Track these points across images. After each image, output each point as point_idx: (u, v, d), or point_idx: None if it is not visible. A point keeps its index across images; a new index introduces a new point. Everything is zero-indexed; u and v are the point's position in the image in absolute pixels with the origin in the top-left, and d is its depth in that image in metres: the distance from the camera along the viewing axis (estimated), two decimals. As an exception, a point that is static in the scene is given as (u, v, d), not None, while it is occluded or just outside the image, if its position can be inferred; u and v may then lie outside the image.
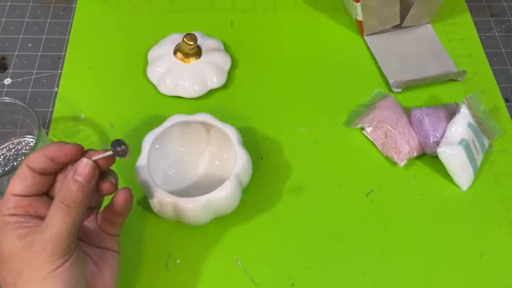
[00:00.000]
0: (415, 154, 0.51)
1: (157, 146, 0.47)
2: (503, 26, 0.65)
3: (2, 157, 0.50)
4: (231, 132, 0.46)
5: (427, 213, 0.49)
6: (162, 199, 0.42)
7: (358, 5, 0.57)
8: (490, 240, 0.48)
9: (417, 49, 0.61)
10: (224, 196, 0.43)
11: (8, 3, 0.63)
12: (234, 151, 0.45)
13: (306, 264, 0.46)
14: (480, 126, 0.53)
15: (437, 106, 0.53)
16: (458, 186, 0.51)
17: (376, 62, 0.59)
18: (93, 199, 0.39)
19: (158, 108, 0.55)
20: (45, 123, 0.53)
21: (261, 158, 0.52)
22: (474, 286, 0.45)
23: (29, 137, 0.51)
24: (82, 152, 0.36)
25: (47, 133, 0.52)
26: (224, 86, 0.56)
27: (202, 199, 0.42)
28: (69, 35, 0.60)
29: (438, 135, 0.51)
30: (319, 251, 0.47)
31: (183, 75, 0.54)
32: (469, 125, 0.50)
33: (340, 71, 0.59)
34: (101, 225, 0.40)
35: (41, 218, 0.35)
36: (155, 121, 0.51)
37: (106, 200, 0.40)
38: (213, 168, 0.50)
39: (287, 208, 0.49)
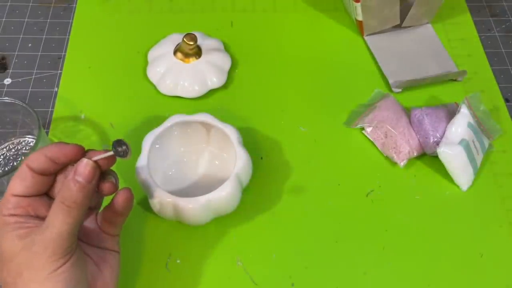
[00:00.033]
0: (415, 154, 0.51)
1: (157, 146, 0.47)
2: (503, 26, 0.65)
3: (2, 157, 0.50)
4: (231, 132, 0.46)
5: (427, 213, 0.49)
6: (162, 199, 0.42)
7: (358, 5, 0.57)
8: (490, 240, 0.48)
9: (417, 49, 0.61)
10: (224, 196, 0.43)
11: (8, 3, 0.63)
12: (234, 151, 0.45)
13: (306, 264, 0.46)
14: (480, 126, 0.53)
15: (437, 106, 0.53)
16: (458, 186, 0.51)
17: (376, 62, 0.59)
18: (93, 199, 0.39)
19: (158, 108, 0.55)
20: (45, 123, 0.53)
21: (261, 158, 0.52)
22: (474, 286, 0.45)
23: (29, 137, 0.51)
24: (82, 153, 0.36)
25: (47, 133, 0.52)
26: (224, 86, 0.56)
27: (202, 199, 0.42)
28: (69, 35, 0.60)
29: (438, 135, 0.51)
30: (319, 251, 0.47)
31: (183, 75, 0.54)
32: (469, 125, 0.50)
33: (340, 71, 0.59)
34: (101, 225, 0.40)
35: (41, 218, 0.35)
36: (155, 121, 0.51)
37: (106, 200, 0.40)
38: (213, 168, 0.50)
39: (287, 208, 0.49)
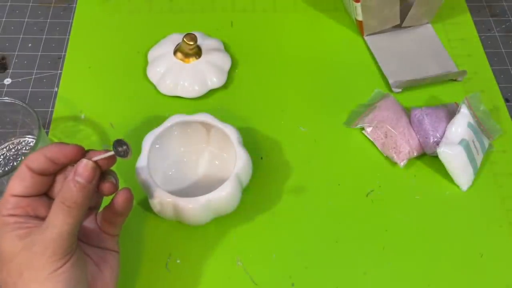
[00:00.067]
0: (415, 154, 0.51)
1: (157, 146, 0.47)
2: (503, 26, 0.65)
3: (2, 157, 0.50)
4: (231, 132, 0.46)
5: (427, 213, 0.49)
6: (162, 199, 0.42)
7: (358, 5, 0.57)
8: (490, 240, 0.48)
9: (417, 49, 0.61)
10: (224, 196, 0.43)
11: (8, 3, 0.63)
12: (234, 151, 0.45)
13: (306, 264, 0.46)
14: (480, 126, 0.53)
15: (437, 106, 0.53)
16: (458, 186, 0.51)
17: (376, 62, 0.59)
18: (92, 199, 0.39)
19: (158, 108, 0.55)
20: (45, 123, 0.53)
21: (261, 158, 0.52)
22: (474, 286, 0.45)
23: (29, 137, 0.51)
24: (82, 153, 0.36)
25: (47, 133, 0.52)
26: (224, 86, 0.56)
27: (202, 199, 0.42)
28: (69, 35, 0.60)
29: (438, 135, 0.51)
30: (319, 251, 0.47)
31: (183, 75, 0.54)
32: (469, 125, 0.50)
33: (340, 71, 0.59)
34: (101, 225, 0.40)
35: (41, 218, 0.35)
36: (155, 121, 0.51)
37: (106, 200, 0.40)
38: (213, 168, 0.50)
39: (287, 208, 0.49)
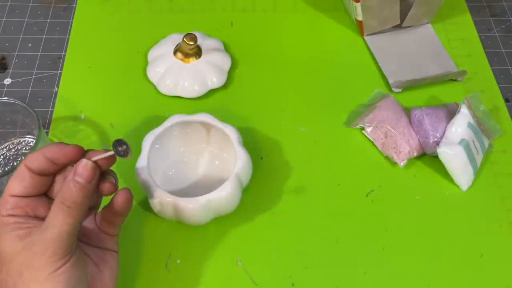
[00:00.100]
0: (415, 154, 0.51)
1: (157, 146, 0.47)
2: (503, 26, 0.65)
3: (2, 157, 0.50)
4: (231, 132, 0.46)
5: (427, 213, 0.49)
6: (162, 199, 0.42)
7: (358, 5, 0.57)
8: (490, 240, 0.48)
9: (417, 49, 0.61)
10: (224, 196, 0.43)
11: (8, 3, 0.63)
12: (234, 151, 0.45)
13: (306, 264, 0.46)
14: (480, 126, 0.53)
15: (437, 106, 0.53)
16: (458, 186, 0.51)
17: (376, 62, 0.59)
18: (92, 199, 0.39)
19: (158, 108, 0.55)
20: (45, 123, 0.53)
21: (261, 158, 0.52)
22: (474, 286, 0.45)
23: (29, 137, 0.51)
24: (82, 153, 0.36)
25: (47, 133, 0.52)
26: (224, 86, 0.56)
27: (202, 199, 0.42)
28: (69, 35, 0.60)
29: (438, 135, 0.51)
30: (319, 251, 0.47)
31: (183, 75, 0.54)
32: (469, 125, 0.50)
33: (340, 71, 0.59)
34: (100, 225, 0.39)
35: (40, 218, 0.35)
36: (155, 121, 0.51)
37: (105, 200, 0.40)
38: (213, 168, 0.50)
39: (287, 208, 0.49)
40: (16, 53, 0.59)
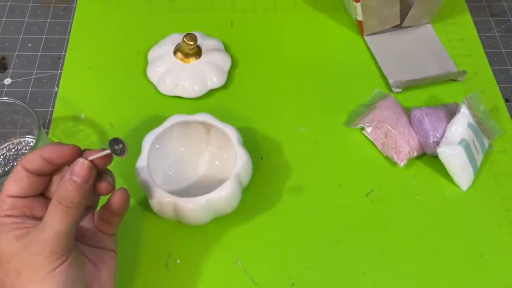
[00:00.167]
0: (415, 154, 0.51)
1: (157, 146, 0.47)
2: (503, 26, 0.65)
3: (2, 157, 0.50)
4: (231, 132, 0.46)
5: (427, 213, 0.49)
6: (162, 199, 0.42)
7: (358, 5, 0.57)
8: (490, 240, 0.48)
9: (417, 49, 0.61)
10: (224, 196, 0.43)
11: (8, 3, 0.63)
12: (234, 151, 0.45)
13: (306, 264, 0.46)
14: (480, 126, 0.53)
15: (437, 106, 0.53)
16: (458, 186, 0.51)
17: (376, 62, 0.59)
18: (89, 198, 0.39)
19: (158, 108, 0.55)
20: (45, 123, 0.53)
21: (261, 158, 0.52)
22: (474, 286, 0.45)
23: (29, 137, 0.51)
24: (79, 153, 0.36)
25: (47, 133, 0.52)
26: (224, 86, 0.56)
27: (202, 199, 0.42)
28: (69, 35, 0.60)
29: (438, 135, 0.51)
30: (319, 251, 0.47)
31: (183, 75, 0.54)
32: (469, 125, 0.50)
33: (340, 71, 0.59)
34: (98, 225, 0.39)
35: (37, 218, 0.35)
36: (155, 121, 0.51)
37: (103, 200, 0.40)
38: (213, 168, 0.50)
39: (287, 208, 0.49)
40: (16, 53, 0.59)
